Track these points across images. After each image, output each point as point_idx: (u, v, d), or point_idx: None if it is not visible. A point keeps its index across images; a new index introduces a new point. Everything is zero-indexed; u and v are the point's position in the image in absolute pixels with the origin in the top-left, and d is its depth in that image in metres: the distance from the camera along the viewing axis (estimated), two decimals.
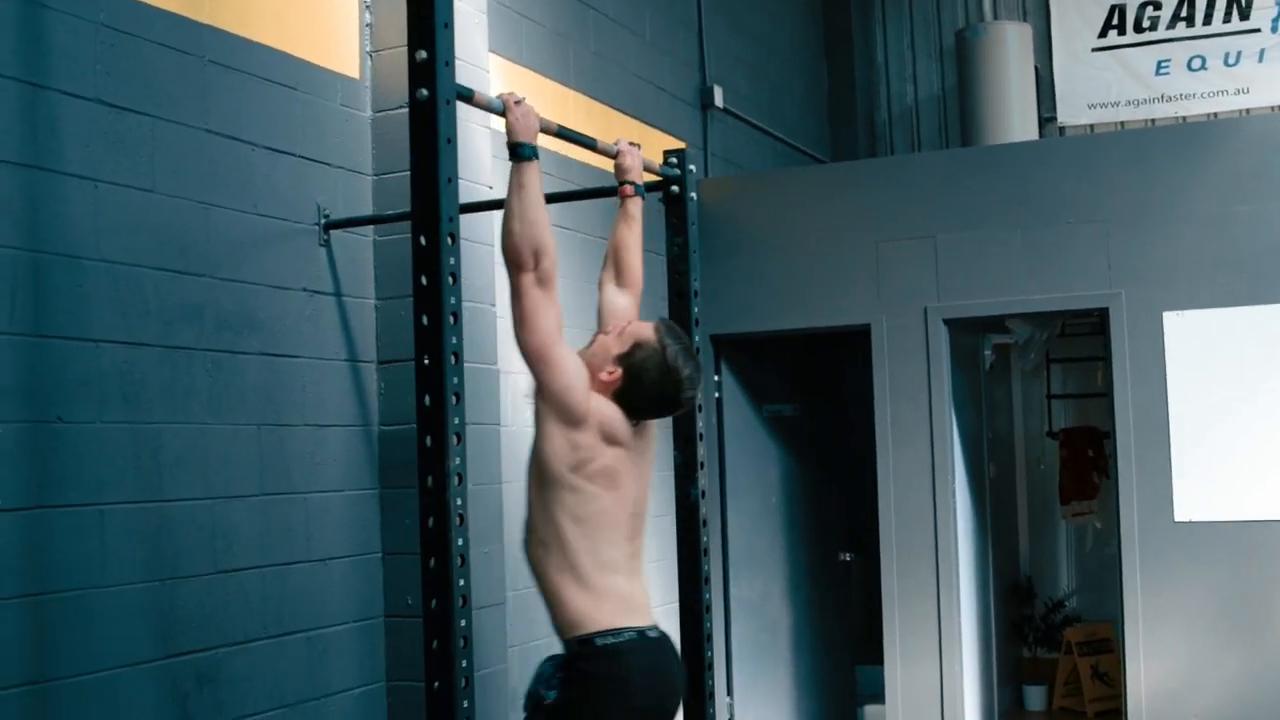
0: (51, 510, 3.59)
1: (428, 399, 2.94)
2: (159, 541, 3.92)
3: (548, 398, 3.24)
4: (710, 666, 4.06)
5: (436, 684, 2.90)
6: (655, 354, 3.38)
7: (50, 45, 3.66)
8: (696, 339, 4.12)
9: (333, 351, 4.63)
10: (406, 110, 4.68)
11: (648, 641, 3.32)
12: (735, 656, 7.12)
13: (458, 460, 2.94)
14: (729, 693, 7.08)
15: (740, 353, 7.27)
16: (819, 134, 9.34)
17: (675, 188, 4.12)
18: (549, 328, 3.22)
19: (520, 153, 3.24)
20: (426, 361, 2.95)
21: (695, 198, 4.15)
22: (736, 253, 7.11)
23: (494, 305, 5.15)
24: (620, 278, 3.84)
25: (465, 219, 4.91)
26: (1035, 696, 7.96)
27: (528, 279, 3.18)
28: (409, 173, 4.64)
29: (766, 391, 7.38)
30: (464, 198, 4.87)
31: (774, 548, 7.34)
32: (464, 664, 2.90)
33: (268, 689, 4.25)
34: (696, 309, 4.12)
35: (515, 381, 5.59)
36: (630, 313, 3.76)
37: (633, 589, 3.38)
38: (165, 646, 3.90)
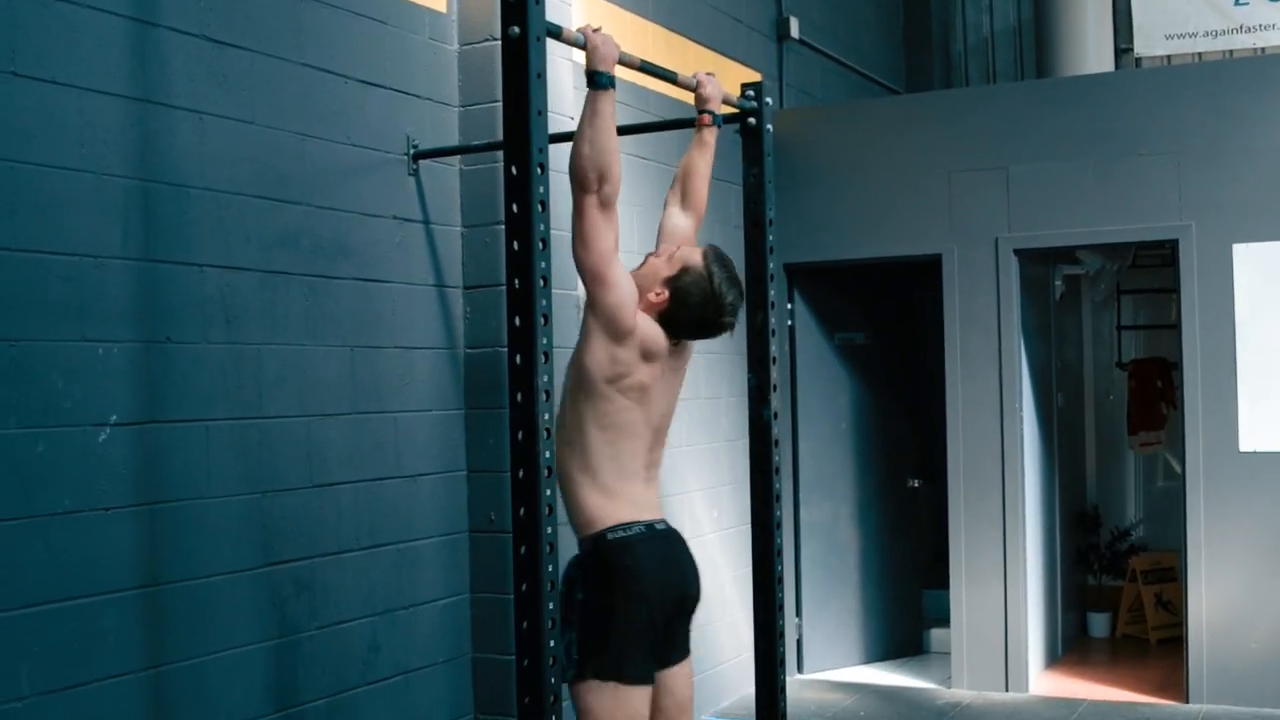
0: (162, 425, 3.82)
1: (518, 320, 3.10)
2: (259, 456, 4.14)
3: (598, 313, 3.41)
4: (780, 580, 4.22)
5: (524, 586, 3.09)
6: (701, 279, 3.54)
7: None
8: (771, 266, 4.25)
9: (420, 277, 4.82)
10: (491, 44, 4.91)
11: (655, 533, 3.51)
12: (804, 578, 7.30)
13: (545, 378, 3.10)
14: (797, 613, 7.27)
15: (813, 281, 7.39)
16: (894, 65, 9.36)
17: (752, 120, 4.22)
18: (606, 248, 3.38)
19: (598, 80, 3.38)
20: (517, 285, 3.10)
21: (771, 130, 4.26)
22: (810, 183, 7.21)
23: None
24: (686, 200, 3.97)
25: (550, 149, 5.11)
26: (1099, 623, 8.07)
27: (590, 200, 3.34)
28: (494, 104, 4.89)
29: (839, 320, 7.50)
30: (550, 129, 5.06)
31: (843, 472, 7.49)
32: (550, 569, 3.08)
33: (360, 597, 4.48)
34: (771, 238, 4.24)
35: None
36: (689, 235, 3.90)
37: (646, 494, 3.56)
38: (265, 555, 4.14)
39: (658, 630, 3.50)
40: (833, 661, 7.38)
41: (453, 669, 4.91)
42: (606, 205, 3.36)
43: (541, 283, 3.10)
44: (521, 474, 3.12)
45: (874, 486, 7.59)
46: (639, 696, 3.43)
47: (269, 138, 4.20)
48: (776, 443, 4.27)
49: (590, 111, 3.36)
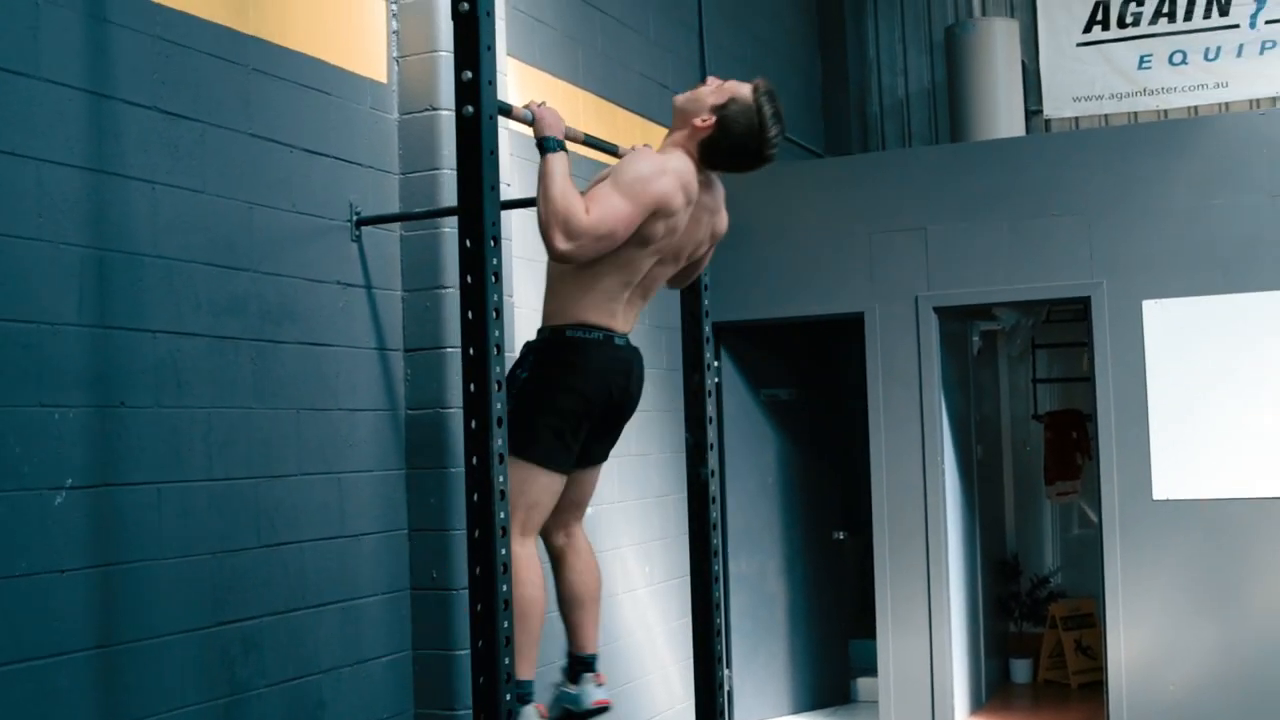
0: (116, 488, 3.89)
1: (473, 386, 3.24)
2: (208, 518, 4.21)
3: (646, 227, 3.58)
4: (719, 633, 4.37)
5: (480, 643, 3.21)
6: (749, 110, 3.67)
7: (112, 57, 3.94)
8: (707, 330, 4.41)
9: (363, 340, 4.92)
10: (430, 114, 5.06)
11: (611, 344, 3.70)
12: (734, 630, 7.45)
13: (499, 441, 3.24)
14: (727, 664, 7.41)
15: (739, 339, 7.58)
16: (813, 127, 9.64)
17: None
18: (614, 221, 3.49)
19: (546, 144, 3.53)
20: (472, 352, 3.24)
21: None
22: (736, 244, 7.33)
23: (512, 296, 5.46)
24: None
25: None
26: (1021, 669, 8.30)
27: (561, 248, 3.46)
28: (433, 171, 5.03)
29: (764, 376, 7.70)
30: None
31: (771, 526, 7.66)
32: (505, 625, 3.21)
33: (307, 655, 4.55)
34: (706, 302, 4.41)
35: None
36: None
37: (625, 312, 3.76)
38: (215, 615, 4.20)
39: (584, 428, 3.70)
40: (761, 711, 7.52)
41: (395, 664, 4.98)
42: (584, 233, 3.46)
43: (495, 350, 3.24)
44: (478, 534, 3.24)
45: (800, 539, 7.77)
46: (548, 481, 3.64)
47: (219, 206, 4.30)
48: (714, 499, 4.42)
49: (544, 173, 3.50)
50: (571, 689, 3.97)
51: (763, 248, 7.39)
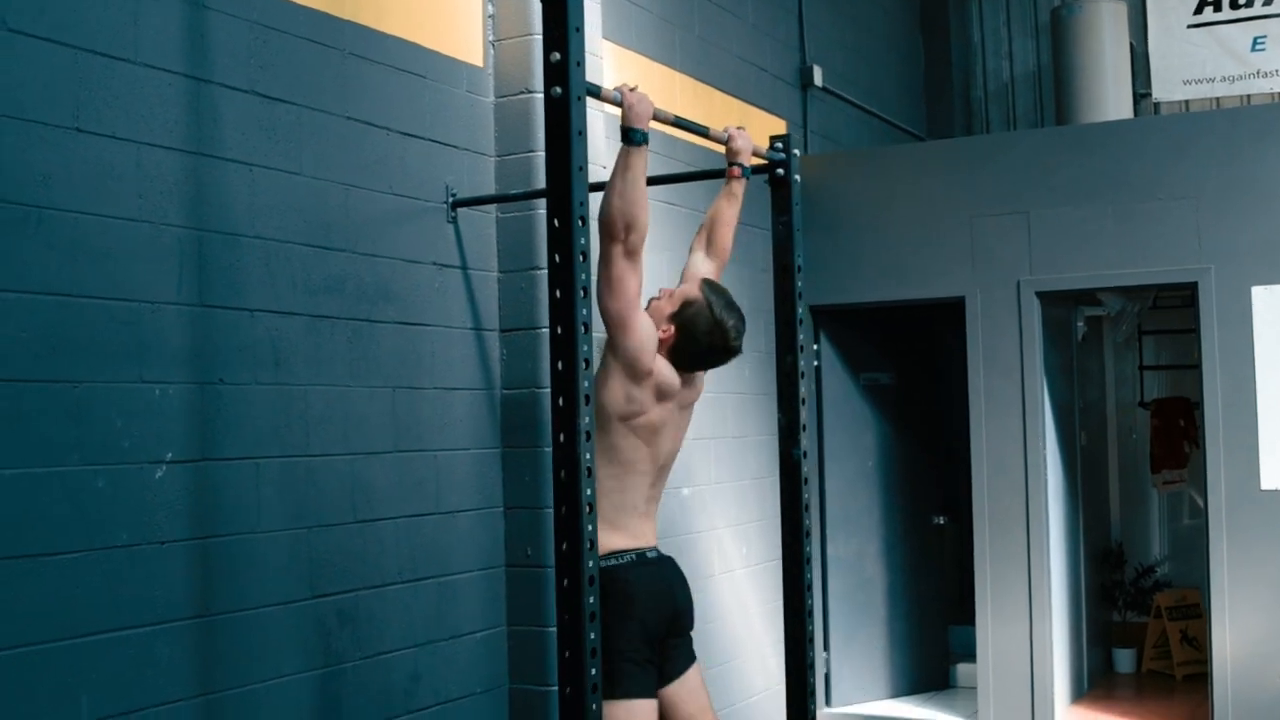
0: (215, 462, 3.99)
1: (560, 364, 3.26)
2: (305, 493, 4.30)
3: (619, 355, 3.70)
4: (810, 614, 4.35)
5: (567, 616, 3.24)
6: (703, 309, 3.85)
7: (211, 43, 4.03)
8: (800, 310, 4.40)
9: (459, 320, 4.98)
10: (525, 96, 5.10)
11: (645, 560, 3.83)
12: (832, 613, 7.42)
13: (586, 419, 3.26)
14: (825, 647, 7.38)
15: (838, 323, 7.54)
16: (915, 111, 9.54)
17: (780, 170, 4.39)
18: (631, 295, 3.65)
19: (631, 137, 3.57)
20: (559, 331, 3.27)
21: (799, 180, 4.42)
22: (836, 227, 7.37)
23: None
24: (711, 247, 4.23)
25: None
26: (1125, 659, 8.16)
27: (617, 248, 3.59)
28: (529, 154, 5.07)
29: (864, 361, 7.64)
30: None
31: (870, 509, 7.62)
32: (590, 600, 3.23)
33: (402, 629, 4.63)
34: (799, 283, 4.40)
35: None
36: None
37: (643, 525, 3.87)
38: (311, 588, 4.29)
39: (653, 648, 3.79)
40: (860, 695, 7.49)
41: (491, 699, 5.04)
42: (632, 254, 3.58)
43: (583, 329, 3.26)
44: (564, 510, 3.27)
45: (899, 523, 7.71)
46: (641, 710, 3.72)
47: (316, 188, 4.38)
48: (806, 480, 4.40)
49: (623, 165, 3.53)
50: None
51: (863, 232, 7.34)
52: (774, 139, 4.45)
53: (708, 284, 3.93)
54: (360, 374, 4.53)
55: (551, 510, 4.89)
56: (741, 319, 3.93)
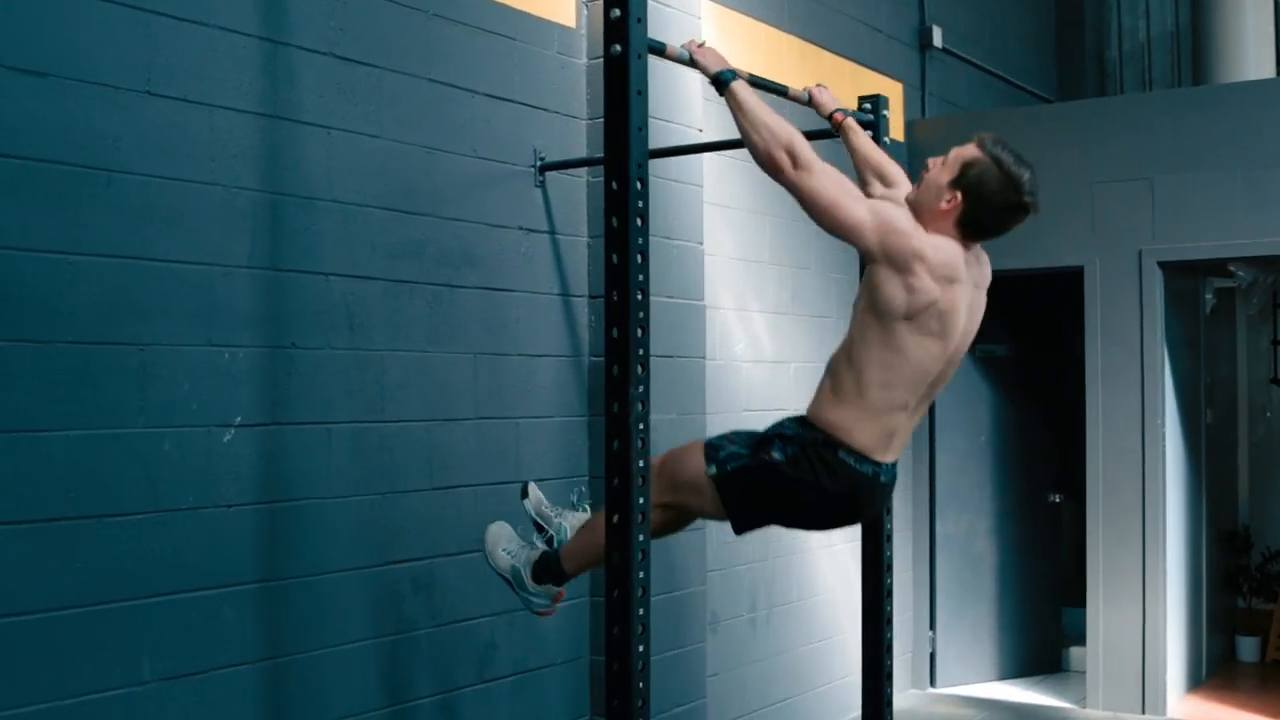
0: (285, 426, 3.98)
1: (615, 331, 3.17)
2: (379, 459, 4.27)
3: (876, 257, 3.31)
4: (890, 594, 4.21)
5: (616, 592, 3.15)
6: (990, 166, 3.37)
7: (288, 5, 4.00)
8: None
9: (546, 286, 4.91)
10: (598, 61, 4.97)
11: (877, 481, 3.46)
12: (939, 592, 7.23)
13: (641, 388, 3.16)
14: (931, 626, 7.21)
15: None
16: (1044, 73, 9.20)
17: (869, 133, 4.22)
18: (835, 196, 3.29)
19: (721, 78, 3.42)
20: (615, 297, 3.17)
21: (889, 141, 4.24)
22: None
23: (701, 243, 5.37)
24: (884, 180, 3.91)
25: (676, 161, 5.17)
26: (1248, 647, 7.82)
27: (790, 176, 3.29)
28: None
29: (980, 331, 7.39)
30: (676, 141, 5.13)
31: (982, 486, 7.40)
32: (641, 575, 3.14)
33: (479, 598, 4.59)
34: None
35: (722, 318, 5.81)
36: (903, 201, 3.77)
37: (905, 427, 3.49)
38: (384, 554, 4.27)
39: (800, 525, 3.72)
40: (967, 677, 7.29)
41: (571, 670, 4.99)
42: (809, 167, 3.30)
43: (639, 295, 3.16)
44: (616, 482, 3.18)
45: (1013, 500, 7.48)
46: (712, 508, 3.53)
47: (396, 151, 4.33)
48: None
49: (735, 107, 3.38)
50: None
51: None
52: (862, 99, 4.28)
53: (990, 138, 3.43)
54: (440, 340, 4.49)
55: None
56: (1032, 169, 3.41)
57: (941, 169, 3.43)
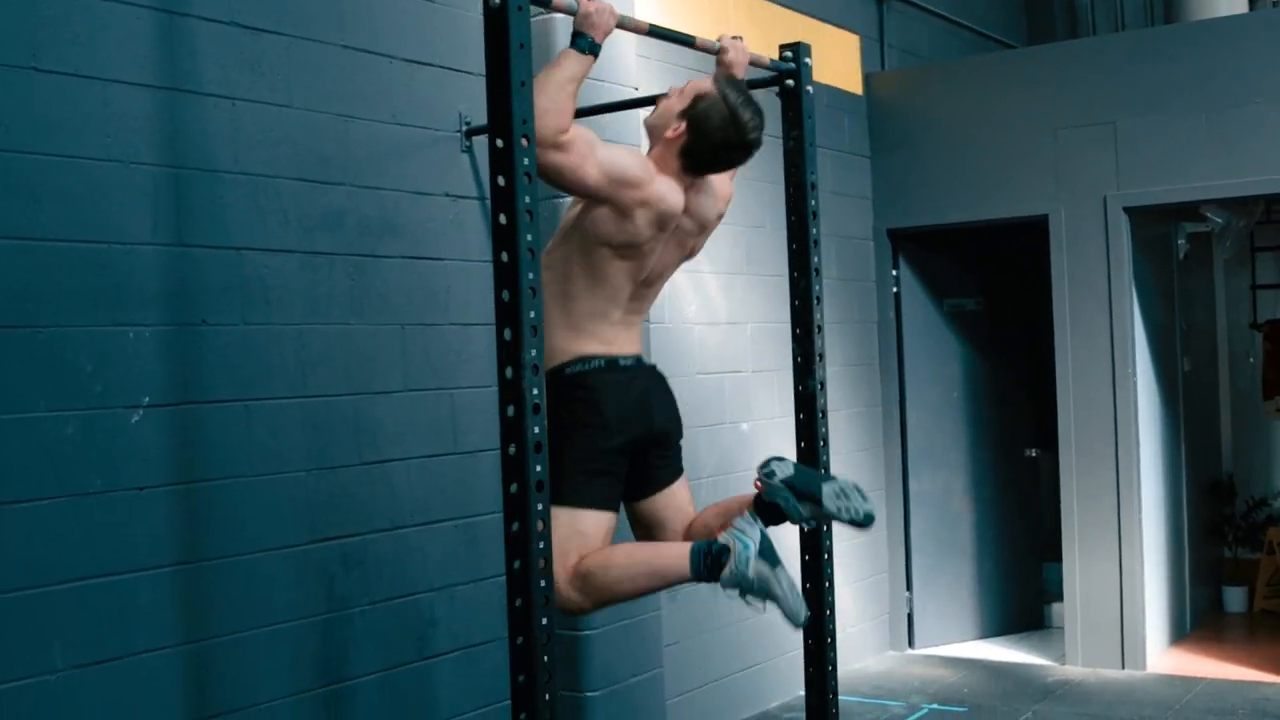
0: (200, 405, 3.88)
1: (506, 294, 3.06)
2: (302, 435, 4.17)
3: (598, 206, 3.35)
4: (830, 558, 4.12)
5: (516, 564, 3.06)
6: (717, 102, 3.46)
7: None
8: (815, 231, 4.10)
9: (478, 253, 4.79)
10: (547, 17, 4.85)
11: (615, 367, 3.48)
12: (914, 551, 7.13)
13: (534, 352, 3.05)
14: (908, 587, 7.11)
15: (918, 246, 7.19)
16: (1013, 20, 9.02)
17: (790, 82, 4.09)
18: (571, 164, 3.24)
19: (576, 43, 3.31)
20: (505, 258, 3.06)
21: (811, 91, 4.11)
22: (910, 146, 7.01)
23: None
24: None
25: (614, 117, 5.04)
26: (1235, 598, 7.70)
27: (549, 154, 3.20)
28: None
29: (946, 285, 7.29)
30: (607, 98, 4.99)
31: (956, 442, 7.29)
32: (541, 545, 3.05)
33: (416, 573, 4.50)
34: (814, 202, 4.10)
35: (672, 280, 5.68)
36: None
37: (618, 334, 3.52)
38: (311, 532, 4.18)
39: (618, 458, 3.49)
40: (946, 636, 7.20)
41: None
42: (567, 147, 3.24)
43: (529, 255, 3.05)
44: (512, 450, 3.08)
45: (989, 456, 7.37)
46: (591, 520, 3.43)
47: (308, 120, 4.22)
48: (823, 414, 4.13)
49: (554, 64, 3.28)
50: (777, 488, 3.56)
51: (940, 149, 6.96)
52: (783, 47, 4.14)
53: (725, 78, 3.58)
54: (364, 311, 4.39)
55: None
56: (759, 113, 3.51)
57: (677, 98, 3.52)
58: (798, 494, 3.53)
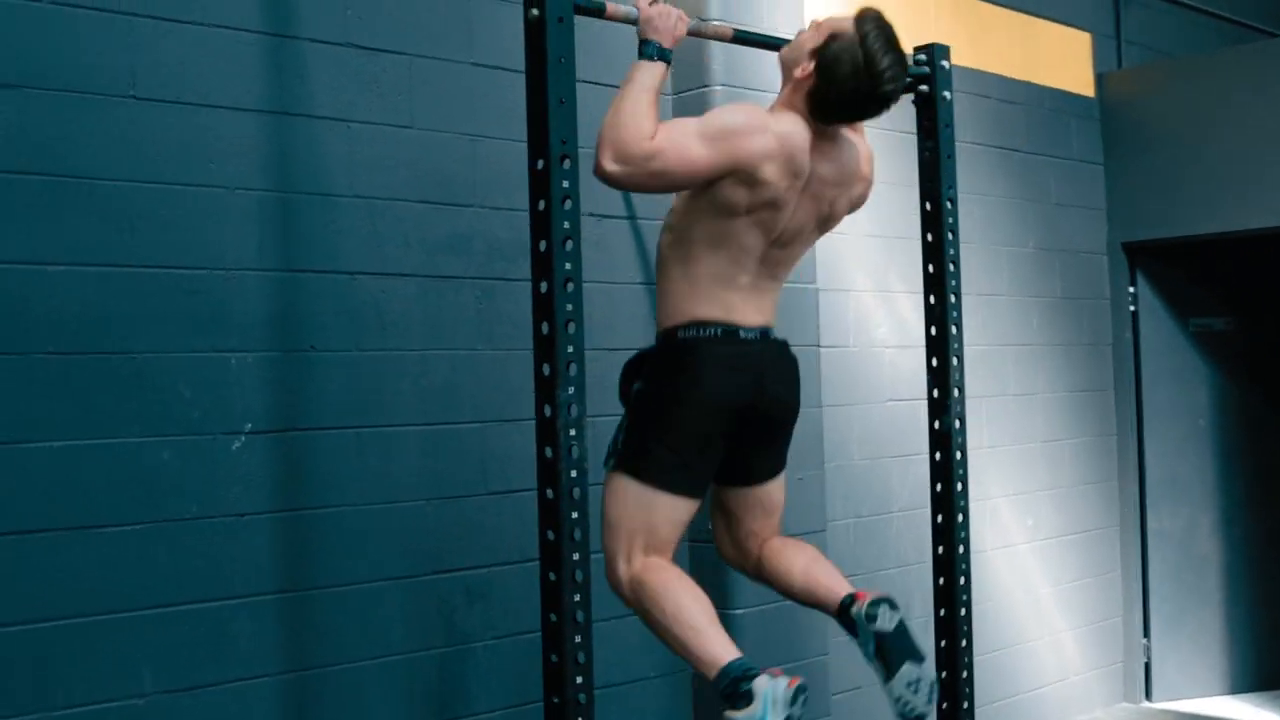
0: (308, 432, 3.84)
1: (545, 326, 2.88)
2: (423, 463, 4.08)
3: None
4: (968, 609, 3.74)
5: (552, 616, 2.86)
6: (852, 44, 3.08)
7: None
8: (952, 252, 3.73)
9: (625, 275, 4.62)
10: (698, 24, 4.62)
11: (734, 339, 3.19)
12: (1153, 595, 6.51)
13: (571, 390, 2.86)
14: (1145, 634, 6.51)
15: (1159, 261, 6.57)
16: (1272, 3, 8.13)
17: (924, 87, 3.74)
18: (661, 164, 3.06)
19: (642, 50, 3.10)
20: (544, 288, 2.88)
21: (948, 98, 3.75)
22: (1150, 150, 6.42)
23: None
24: None
25: None
26: None
27: (647, 164, 3.04)
28: (703, 89, 4.61)
29: (1192, 303, 6.63)
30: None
31: (1201, 476, 6.62)
32: (576, 598, 2.84)
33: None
34: (951, 220, 3.74)
35: (858, 301, 5.38)
36: None
37: (747, 301, 3.23)
38: (430, 563, 4.07)
39: (715, 443, 3.21)
40: (1189, 690, 6.55)
41: (669, 684, 4.68)
42: (657, 154, 3.05)
43: (565, 285, 2.86)
44: (549, 495, 2.89)
45: (1240, 492, 6.66)
46: (666, 505, 3.20)
47: (431, 141, 4.13)
48: (962, 454, 3.75)
49: (626, 79, 3.10)
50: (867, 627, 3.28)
51: (1186, 154, 6.33)
52: (918, 49, 3.79)
53: (870, 15, 3.15)
54: (493, 337, 4.26)
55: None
56: (900, 62, 3.12)
57: (813, 34, 3.17)
58: (880, 651, 3.17)
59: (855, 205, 3.42)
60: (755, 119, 3.09)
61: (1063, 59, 6.42)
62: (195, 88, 3.66)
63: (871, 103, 3.13)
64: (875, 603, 3.19)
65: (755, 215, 3.13)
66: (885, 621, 3.18)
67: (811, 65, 3.12)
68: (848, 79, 3.08)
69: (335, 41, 3.94)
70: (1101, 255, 6.53)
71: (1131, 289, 6.54)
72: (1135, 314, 6.53)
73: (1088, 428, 6.43)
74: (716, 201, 3.11)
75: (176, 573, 3.57)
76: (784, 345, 3.36)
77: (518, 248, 4.32)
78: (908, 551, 5.45)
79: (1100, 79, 6.56)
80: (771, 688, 2.95)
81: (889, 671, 3.18)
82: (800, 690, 2.97)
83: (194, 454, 3.62)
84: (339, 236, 3.93)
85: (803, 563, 3.39)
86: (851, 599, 3.28)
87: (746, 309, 3.23)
